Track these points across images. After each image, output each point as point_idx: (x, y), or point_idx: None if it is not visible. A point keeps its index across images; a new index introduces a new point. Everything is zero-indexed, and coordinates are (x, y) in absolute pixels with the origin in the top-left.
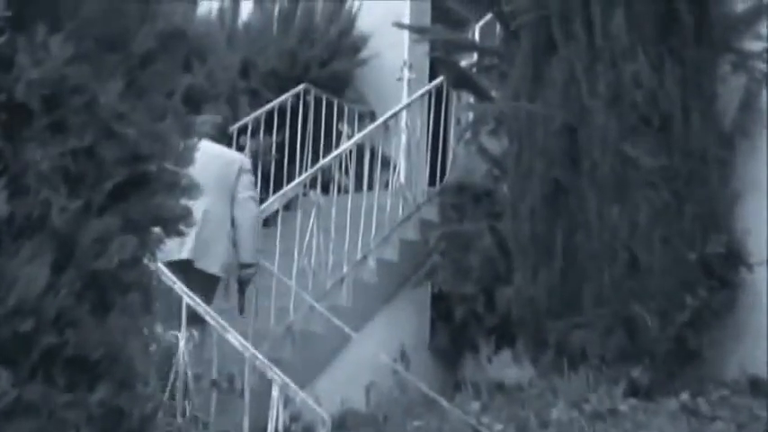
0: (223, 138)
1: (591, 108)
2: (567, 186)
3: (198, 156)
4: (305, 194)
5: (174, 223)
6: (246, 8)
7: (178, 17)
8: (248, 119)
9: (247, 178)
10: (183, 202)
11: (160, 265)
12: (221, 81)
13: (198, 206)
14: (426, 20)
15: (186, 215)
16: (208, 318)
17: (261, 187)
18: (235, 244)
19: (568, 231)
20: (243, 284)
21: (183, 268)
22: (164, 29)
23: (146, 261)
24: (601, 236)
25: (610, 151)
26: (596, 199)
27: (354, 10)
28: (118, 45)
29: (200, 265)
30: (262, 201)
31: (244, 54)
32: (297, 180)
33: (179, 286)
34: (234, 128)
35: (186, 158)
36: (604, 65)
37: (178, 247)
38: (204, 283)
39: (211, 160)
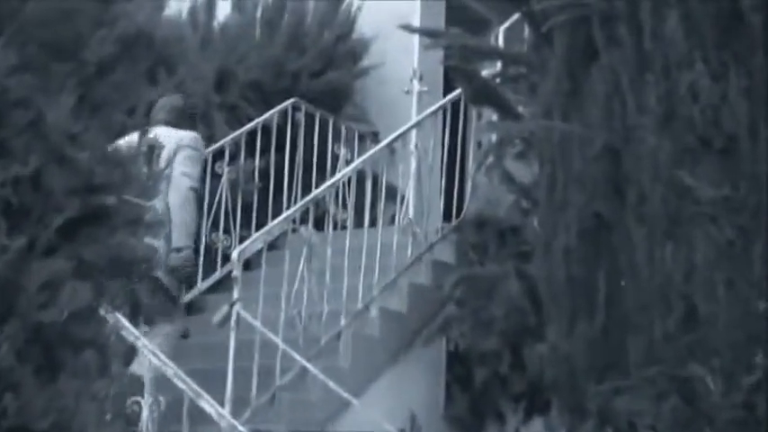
0: (184, 122)
1: (639, 127)
2: (609, 221)
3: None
4: (294, 231)
5: (138, 266)
6: (223, 8)
7: (142, 19)
8: (225, 140)
9: (184, 154)
10: (148, 240)
11: (120, 316)
12: (193, 95)
13: None
14: (440, 22)
15: (151, 257)
16: (177, 381)
17: (242, 222)
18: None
19: (612, 275)
20: (177, 276)
21: None
22: (124, 32)
23: (102, 312)
24: (651, 281)
25: (661, 179)
26: (645, 236)
27: (353, 10)
28: (69, 52)
29: None
30: (243, 239)
31: (220, 62)
32: (285, 214)
33: (142, 342)
34: (208, 151)
35: (152, 189)
36: (655, 75)
37: None
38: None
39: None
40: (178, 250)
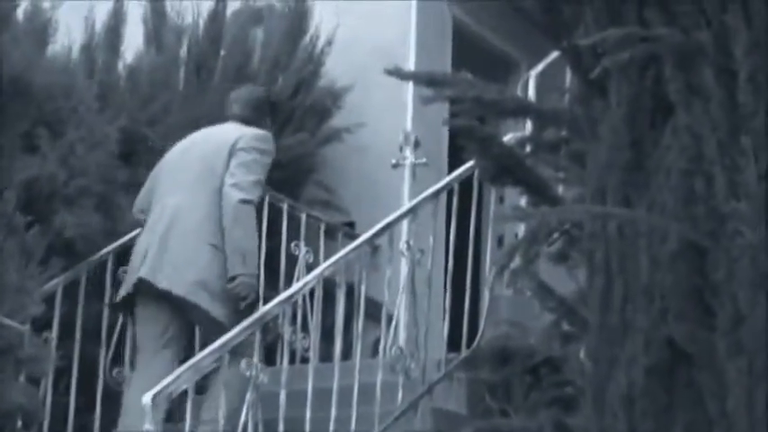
0: (259, 115)
1: (732, 216)
2: (691, 351)
3: (187, 140)
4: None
5: None
6: (133, 43)
7: (18, 63)
8: (132, 234)
9: (238, 159)
10: None
11: None
12: (88, 167)
13: (168, 204)
14: (445, 64)
15: None
16: None
17: None
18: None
19: (692, 426)
20: (240, 305)
21: (150, 292)
22: None
23: None
24: None
25: (764, 288)
26: (744, 373)
27: (320, 46)
28: None
29: (161, 284)
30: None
31: (127, 122)
32: (219, 341)
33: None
34: (107, 252)
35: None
36: (756, 139)
37: (138, 267)
38: (194, 317)
39: (200, 144)
40: (232, 279)
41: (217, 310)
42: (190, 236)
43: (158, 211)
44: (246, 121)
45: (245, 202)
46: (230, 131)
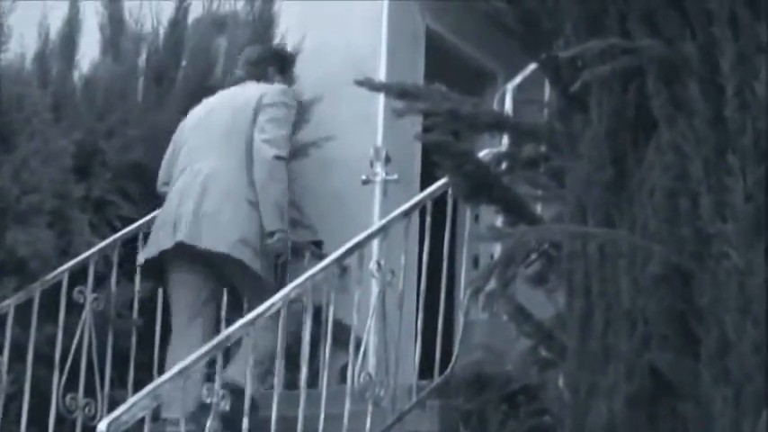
0: (261, 71)
1: (718, 237)
2: (674, 380)
3: (202, 106)
4: None
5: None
6: (89, 51)
7: None
8: (90, 253)
9: (268, 114)
10: None
11: None
12: (42, 181)
13: (198, 170)
14: (418, 73)
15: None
16: None
17: (113, 378)
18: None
19: None
20: (276, 262)
21: (184, 258)
22: None
23: None
24: None
25: (753, 316)
26: (730, 403)
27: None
28: None
29: (203, 243)
30: (115, 404)
31: (83, 135)
32: (178, 366)
33: None
34: (61, 271)
35: None
36: (743, 157)
37: (171, 232)
38: (234, 275)
39: (220, 107)
40: (270, 234)
41: (257, 264)
42: (227, 195)
43: (188, 178)
44: (250, 78)
45: (279, 158)
46: (250, 89)
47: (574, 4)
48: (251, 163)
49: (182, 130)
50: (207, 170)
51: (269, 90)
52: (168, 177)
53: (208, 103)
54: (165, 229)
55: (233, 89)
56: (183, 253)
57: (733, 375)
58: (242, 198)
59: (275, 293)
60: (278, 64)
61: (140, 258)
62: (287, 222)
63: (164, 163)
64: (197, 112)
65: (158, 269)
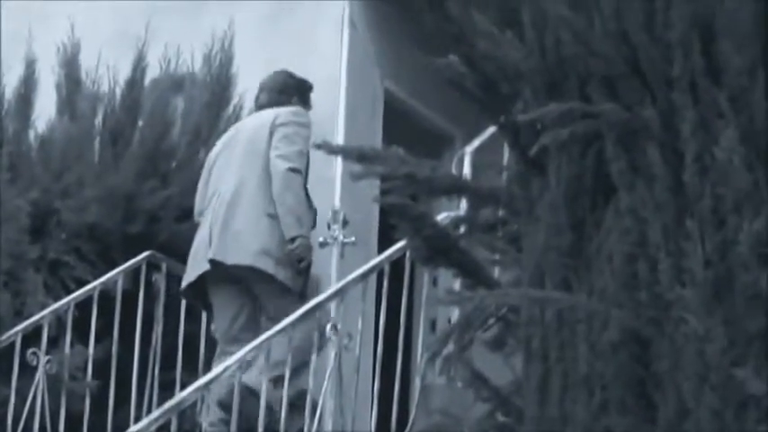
0: (287, 97)
1: (677, 302)
2: None
3: (228, 133)
4: None
5: None
6: (44, 110)
7: None
8: (43, 314)
9: (280, 134)
10: None
11: None
12: None
13: (225, 191)
14: (376, 136)
15: None
16: None
17: None
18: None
19: None
20: (299, 266)
21: (220, 280)
22: None
23: None
24: None
25: (712, 382)
26: None
27: (245, 117)
28: None
29: (230, 260)
30: None
31: (38, 195)
32: (133, 429)
33: None
34: (16, 332)
35: None
36: (702, 223)
37: (205, 254)
38: (262, 291)
39: (235, 136)
40: (291, 241)
41: (281, 274)
42: (247, 211)
43: (215, 201)
44: (276, 105)
45: (292, 170)
46: (265, 114)
47: (533, 68)
48: (269, 180)
49: (209, 160)
50: (231, 190)
51: (282, 111)
52: (202, 206)
53: (230, 132)
54: (201, 252)
55: (254, 114)
56: (219, 274)
57: None
58: (262, 213)
59: (300, 305)
60: (300, 94)
61: (183, 284)
62: (307, 228)
63: (197, 196)
64: (221, 143)
65: (201, 294)
